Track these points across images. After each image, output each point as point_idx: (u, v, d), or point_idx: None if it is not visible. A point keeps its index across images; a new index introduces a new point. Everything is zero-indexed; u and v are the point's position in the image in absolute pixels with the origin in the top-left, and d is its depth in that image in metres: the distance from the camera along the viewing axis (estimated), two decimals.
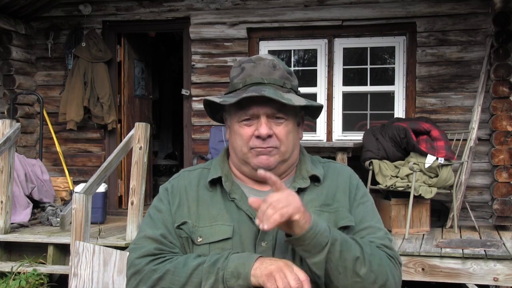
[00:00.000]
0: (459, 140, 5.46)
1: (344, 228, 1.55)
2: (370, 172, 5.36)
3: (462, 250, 4.41)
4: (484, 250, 4.37)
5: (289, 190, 1.41)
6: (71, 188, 6.43)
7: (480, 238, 5.01)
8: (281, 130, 1.55)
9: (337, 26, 6.12)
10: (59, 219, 5.29)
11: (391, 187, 5.17)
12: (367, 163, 5.38)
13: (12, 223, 5.31)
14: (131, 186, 4.82)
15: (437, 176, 5.09)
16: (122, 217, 6.09)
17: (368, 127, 6.05)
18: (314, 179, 1.61)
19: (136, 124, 4.92)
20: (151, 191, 7.26)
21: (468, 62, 5.78)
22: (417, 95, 5.91)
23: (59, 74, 6.79)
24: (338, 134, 6.19)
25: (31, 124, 6.73)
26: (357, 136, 6.01)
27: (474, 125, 5.55)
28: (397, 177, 5.23)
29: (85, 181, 5.08)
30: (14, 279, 4.60)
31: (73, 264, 2.26)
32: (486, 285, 4.43)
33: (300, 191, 1.58)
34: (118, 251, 2.27)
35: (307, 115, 1.69)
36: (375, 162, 5.34)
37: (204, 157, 5.96)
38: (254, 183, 1.62)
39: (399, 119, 5.68)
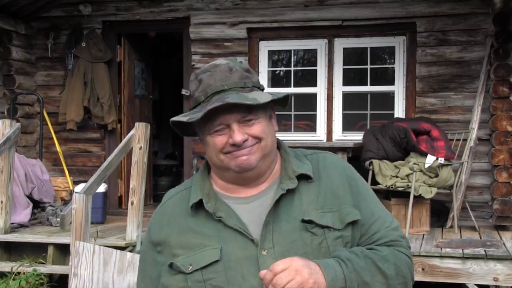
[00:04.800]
0: (459, 140, 5.46)
1: (352, 223, 1.53)
2: (370, 172, 5.36)
3: (462, 250, 4.40)
4: (484, 250, 4.37)
5: (291, 258, 1.39)
6: (71, 188, 6.42)
7: (480, 238, 5.00)
8: (256, 130, 1.51)
9: (337, 26, 6.12)
10: (59, 219, 5.28)
11: (391, 187, 5.17)
12: (367, 163, 5.38)
13: (12, 223, 5.31)
14: (131, 186, 4.82)
15: (437, 176, 5.09)
16: (122, 217, 6.08)
17: (368, 127, 6.05)
18: (303, 177, 1.57)
19: (136, 124, 4.92)
20: (151, 191, 7.26)
21: (468, 62, 5.78)
22: (417, 95, 5.91)
23: (59, 74, 6.79)
24: (338, 134, 6.19)
25: (31, 124, 6.73)
26: (357, 136, 6.00)
27: (474, 125, 5.55)
28: (397, 177, 5.23)
29: (85, 181, 5.07)
30: (14, 279, 4.60)
31: (73, 264, 2.26)
32: (486, 285, 4.42)
33: (294, 192, 1.54)
34: (118, 251, 2.27)
35: (276, 105, 1.63)
36: (375, 162, 5.34)
37: (204, 157, 5.94)
38: (239, 190, 1.57)
39: (399, 119, 5.68)
